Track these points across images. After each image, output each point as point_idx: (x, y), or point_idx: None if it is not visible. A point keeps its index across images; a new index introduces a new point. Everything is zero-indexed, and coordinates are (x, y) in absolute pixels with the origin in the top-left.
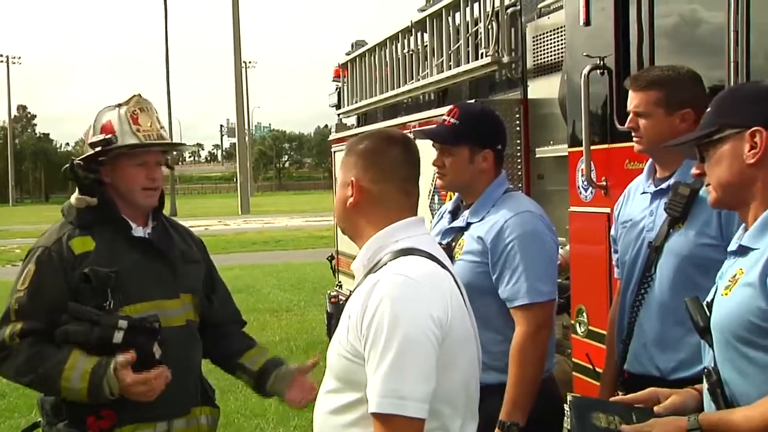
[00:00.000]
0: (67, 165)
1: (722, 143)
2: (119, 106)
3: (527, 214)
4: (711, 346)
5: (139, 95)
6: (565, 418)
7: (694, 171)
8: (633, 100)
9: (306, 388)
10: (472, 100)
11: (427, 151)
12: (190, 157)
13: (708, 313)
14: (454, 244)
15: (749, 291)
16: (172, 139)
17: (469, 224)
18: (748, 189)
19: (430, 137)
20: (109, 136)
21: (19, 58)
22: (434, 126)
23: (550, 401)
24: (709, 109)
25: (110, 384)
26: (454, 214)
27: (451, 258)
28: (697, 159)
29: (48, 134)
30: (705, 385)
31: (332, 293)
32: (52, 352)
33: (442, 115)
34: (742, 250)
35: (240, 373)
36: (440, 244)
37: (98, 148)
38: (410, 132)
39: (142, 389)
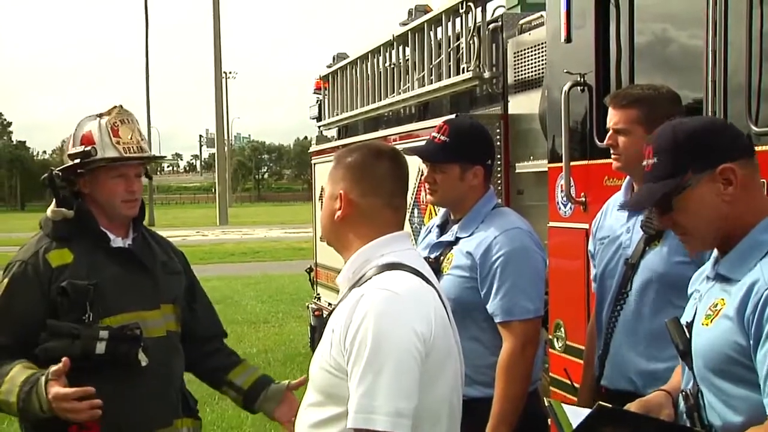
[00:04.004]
0: (46, 175)
1: (695, 189)
2: (100, 116)
3: (516, 230)
4: (691, 369)
5: (121, 106)
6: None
7: (662, 226)
8: (613, 117)
9: (294, 405)
10: (454, 115)
11: (408, 165)
12: (168, 167)
13: (687, 335)
14: (442, 258)
15: (729, 324)
16: (151, 151)
17: (458, 239)
18: (727, 224)
19: (420, 155)
20: (88, 147)
21: None
22: (424, 144)
23: (534, 416)
24: (653, 161)
25: (40, 399)
26: (443, 228)
27: (440, 272)
28: (659, 211)
29: (24, 142)
30: (682, 408)
31: (313, 306)
32: (5, 367)
33: (424, 128)
34: (720, 278)
35: (227, 389)
36: (428, 258)
37: (77, 160)
38: (400, 148)
39: (66, 406)
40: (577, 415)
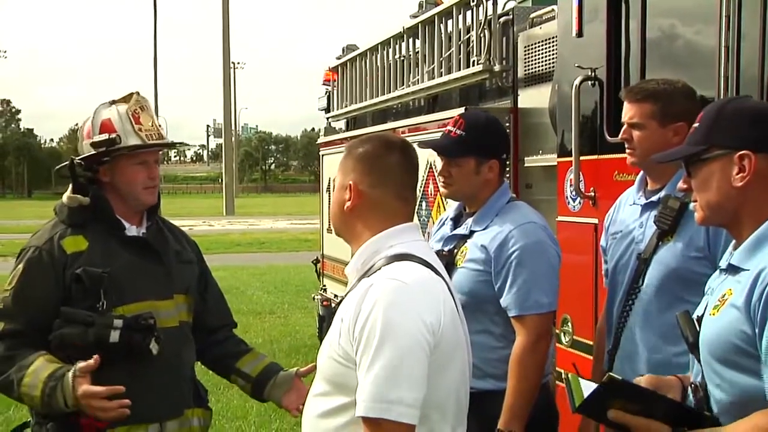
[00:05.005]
0: (66, 163)
1: (710, 163)
2: (114, 103)
3: (531, 224)
4: (699, 361)
5: (138, 93)
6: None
7: (680, 185)
8: (627, 111)
9: (303, 392)
10: (464, 108)
11: (419, 157)
12: (175, 156)
13: (697, 329)
14: (456, 251)
15: (735, 313)
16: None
17: (472, 232)
18: (736, 210)
19: (436, 149)
20: (113, 135)
21: (5, 52)
22: (440, 137)
23: (546, 409)
24: (696, 125)
25: (65, 394)
26: (456, 221)
27: (453, 265)
28: (685, 173)
29: (32, 130)
30: (691, 400)
31: (318, 296)
32: (24, 356)
33: (433, 121)
34: (732, 269)
35: (236, 377)
36: (442, 250)
37: (102, 149)
38: (416, 141)
39: (95, 404)
40: (591, 388)
